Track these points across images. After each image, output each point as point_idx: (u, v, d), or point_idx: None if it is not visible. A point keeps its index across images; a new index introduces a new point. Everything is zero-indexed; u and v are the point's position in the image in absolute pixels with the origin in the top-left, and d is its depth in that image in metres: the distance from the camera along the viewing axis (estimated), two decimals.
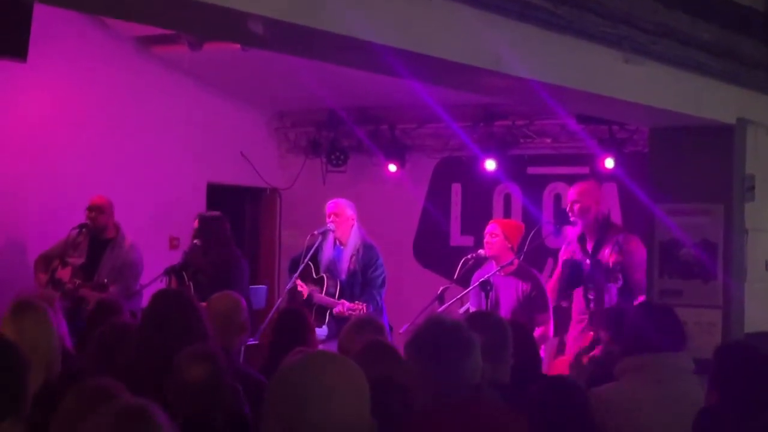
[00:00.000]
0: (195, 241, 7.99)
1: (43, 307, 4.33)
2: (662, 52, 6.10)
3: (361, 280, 7.91)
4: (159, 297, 4.87)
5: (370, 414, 2.48)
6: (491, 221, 7.94)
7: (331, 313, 7.75)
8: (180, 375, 3.87)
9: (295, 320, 5.94)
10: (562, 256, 7.63)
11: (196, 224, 8.01)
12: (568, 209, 7.44)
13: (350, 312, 7.45)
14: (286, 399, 2.43)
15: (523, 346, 4.90)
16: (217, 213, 8.27)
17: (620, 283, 7.08)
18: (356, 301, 7.67)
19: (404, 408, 3.50)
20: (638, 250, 7.23)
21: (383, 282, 7.94)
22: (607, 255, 7.20)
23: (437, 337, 3.23)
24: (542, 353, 7.34)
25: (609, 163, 8.58)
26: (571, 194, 7.50)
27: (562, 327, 7.59)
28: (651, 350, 4.40)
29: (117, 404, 2.84)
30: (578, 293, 7.40)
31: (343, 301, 7.70)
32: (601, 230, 7.39)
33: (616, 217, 8.83)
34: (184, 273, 7.90)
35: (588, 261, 7.34)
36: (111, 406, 2.82)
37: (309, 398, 2.40)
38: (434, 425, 3.04)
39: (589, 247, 7.39)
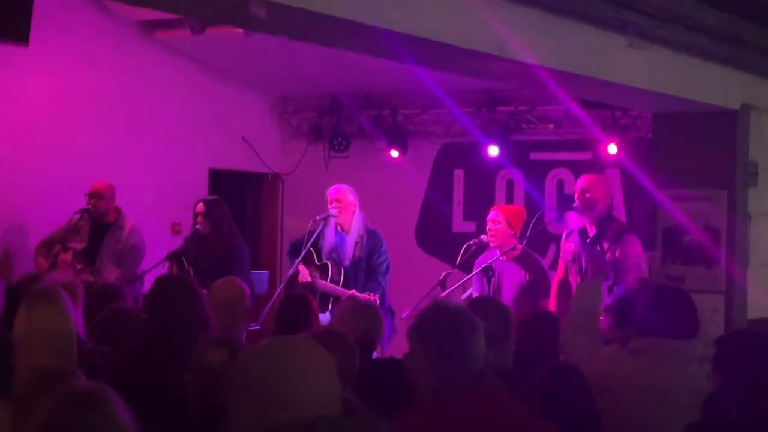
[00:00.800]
0: (197, 226, 7.97)
1: (59, 293, 4.31)
2: (666, 37, 6.09)
3: (366, 267, 7.88)
4: (161, 282, 4.85)
5: (339, 396, 2.47)
6: (493, 208, 7.88)
7: (334, 300, 7.73)
8: (200, 360, 3.85)
9: (299, 306, 5.92)
10: (564, 247, 7.58)
11: (201, 209, 7.98)
12: (576, 196, 7.37)
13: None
14: (260, 388, 2.39)
15: (548, 333, 4.89)
16: (216, 197, 8.26)
17: (610, 281, 7.05)
18: (366, 291, 7.62)
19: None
20: (634, 252, 7.18)
21: (387, 268, 7.92)
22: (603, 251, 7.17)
23: (441, 322, 3.22)
24: None
25: (612, 149, 8.55)
26: (581, 182, 7.42)
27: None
28: (657, 335, 4.39)
29: (70, 388, 2.82)
30: (576, 283, 7.35)
31: (353, 291, 7.65)
32: (603, 224, 7.33)
33: (619, 204, 8.81)
34: (183, 258, 7.88)
35: (584, 253, 7.29)
36: (64, 390, 2.80)
37: (278, 385, 2.37)
38: (437, 411, 3.03)
39: (590, 236, 7.35)
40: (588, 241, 7.28)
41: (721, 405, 3.72)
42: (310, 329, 5.47)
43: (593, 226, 7.33)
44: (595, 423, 3.84)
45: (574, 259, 7.36)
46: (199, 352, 3.87)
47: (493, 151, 9.37)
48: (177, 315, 4.47)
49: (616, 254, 7.08)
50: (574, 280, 7.35)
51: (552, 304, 7.46)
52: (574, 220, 7.50)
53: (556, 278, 7.58)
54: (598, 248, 6.97)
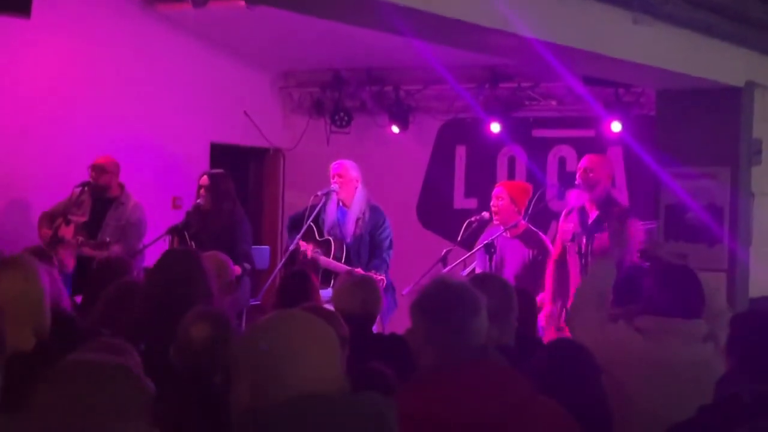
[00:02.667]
0: (198, 200, 7.97)
1: (28, 263, 4.23)
2: (672, 13, 6.05)
3: (368, 243, 7.86)
4: (164, 256, 4.86)
5: (342, 372, 2.44)
6: (498, 184, 7.85)
7: (336, 276, 7.71)
8: (184, 333, 3.87)
9: (300, 283, 5.91)
10: (562, 227, 7.54)
11: (205, 182, 7.97)
12: (578, 175, 7.34)
13: None
14: (255, 362, 2.38)
15: (523, 311, 4.90)
16: (221, 170, 8.25)
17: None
18: (370, 269, 7.59)
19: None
20: (637, 235, 7.15)
21: (390, 244, 7.90)
22: (606, 234, 7.12)
23: (443, 297, 3.20)
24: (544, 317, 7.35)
25: (616, 126, 8.50)
26: (584, 162, 7.39)
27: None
28: (663, 314, 4.38)
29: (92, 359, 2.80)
30: (574, 263, 7.32)
31: (358, 269, 7.62)
32: (604, 206, 7.30)
33: (621, 181, 8.79)
34: (185, 233, 7.88)
35: (584, 235, 7.26)
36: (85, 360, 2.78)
37: (279, 360, 2.36)
38: (438, 385, 3.02)
39: (590, 220, 7.32)
40: (590, 223, 7.25)
41: (734, 387, 3.70)
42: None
43: (594, 208, 7.29)
44: (601, 403, 3.81)
45: (573, 239, 7.33)
46: (183, 325, 3.89)
47: (495, 127, 9.34)
48: (176, 287, 4.46)
49: None
50: (572, 260, 7.30)
51: (548, 284, 7.44)
52: (574, 197, 7.47)
53: (551, 258, 7.55)
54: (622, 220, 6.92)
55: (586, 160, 7.40)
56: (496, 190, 7.64)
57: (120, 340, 3.74)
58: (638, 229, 7.14)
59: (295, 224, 8.02)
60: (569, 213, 7.50)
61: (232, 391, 2.43)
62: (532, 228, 7.68)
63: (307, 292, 5.80)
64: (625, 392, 4.28)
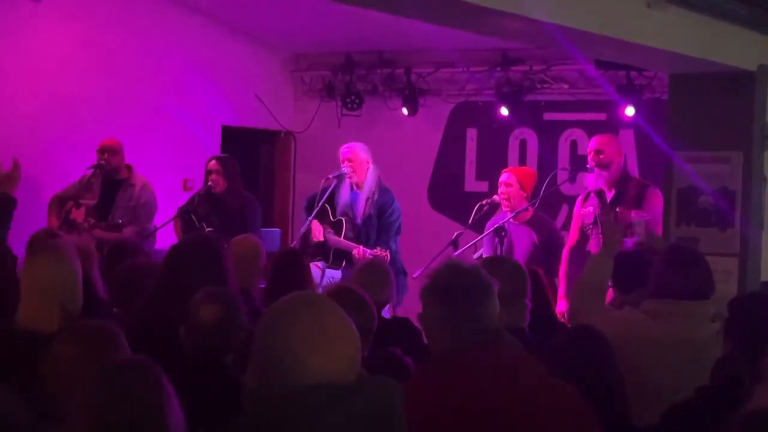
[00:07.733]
0: (210, 184, 7.98)
1: (59, 246, 4.29)
2: None
3: (377, 225, 7.88)
4: (181, 242, 4.89)
5: (359, 361, 2.36)
6: (505, 170, 7.85)
7: (348, 258, 7.74)
8: (194, 314, 3.88)
9: (290, 262, 5.91)
10: (581, 212, 7.54)
11: (215, 166, 8.00)
12: (590, 158, 7.37)
13: (371, 256, 7.39)
14: (262, 350, 2.35)
15: (536, 292, 4.92)
16: (227, 155, 8.30)
17: (636, 238, 7.01)
18: (377, 247, 7.61)
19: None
20: (660, 205, 7.18)
21: (399, 228, 7.90)
22: (628, 209, 7.12)
23: (455, 281, 3.19)
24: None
25: (630, 111, 8.48)
26: (593, 144, 7.44)
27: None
28: (671, 297, 4.39)
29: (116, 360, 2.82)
30: (598, 246, 7.31)
31: (360, 246, 7.66)
32: (621, 183, 7.34)
33: (633, 165, 8.77)
34: (192, 216, 7.91)
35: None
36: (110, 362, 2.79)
37: (288, 346, 2.31)
38: (451, 369, 3.03)
39: (608, 198, 7.33)
40: (609, 202, 7.26)
41: (731, 368, 3.70)
42: (302, 285, 5.44)
43: (611, 188, 7.32)
44: (618, 387, 3.81)
45: (595, 222, 7.33)
46: (193, 307, 3.90)
47: (506, 111, 9.33)
48: (195, 271, 4.46)
49: (643, 211, 7.04)
50: (595, 242, 7.29)
51: (562, 271, 7.43)
52: (591, 181, 7.46)
53: (567, 245, 7.53)
54: (615, 213, 6.91)
55: (595, 142, 7.45)
56: (505, 177, 7.64)
57: None
58: (659, 200, 7.17)
59: (311, 205, 8.07)
60: (587, 197, 7.51)
61: (246, 373, 2.41)
62: (540, 213, 7.69)
63: (298, 272, 5.78)
64: (634, 374, 4.28)
